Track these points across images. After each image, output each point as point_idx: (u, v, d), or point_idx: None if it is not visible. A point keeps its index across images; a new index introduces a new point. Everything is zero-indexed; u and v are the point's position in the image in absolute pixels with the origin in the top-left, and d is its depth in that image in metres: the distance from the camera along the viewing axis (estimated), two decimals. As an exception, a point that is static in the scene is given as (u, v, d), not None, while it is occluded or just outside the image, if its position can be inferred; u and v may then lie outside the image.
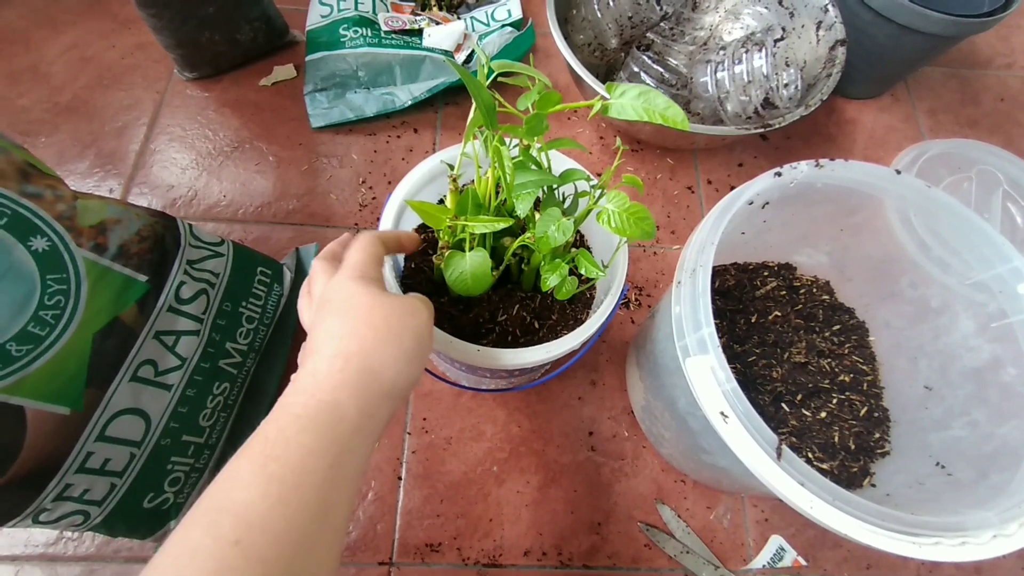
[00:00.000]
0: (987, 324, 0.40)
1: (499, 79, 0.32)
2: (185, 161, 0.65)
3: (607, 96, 0.27)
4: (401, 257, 0.45)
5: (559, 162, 0.41)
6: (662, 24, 0.71)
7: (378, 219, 0.40)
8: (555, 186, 0.35)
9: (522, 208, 0.30)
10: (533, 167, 0.32)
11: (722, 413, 0.31)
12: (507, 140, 0.31)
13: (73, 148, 0.64)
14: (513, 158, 0.31)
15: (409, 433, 0.53)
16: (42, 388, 0.34)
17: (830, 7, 0.63)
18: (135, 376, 0.39)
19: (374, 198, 0.64)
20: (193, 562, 0.17)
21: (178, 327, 0.42)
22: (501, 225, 0.29)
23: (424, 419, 0.53)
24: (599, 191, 0.31)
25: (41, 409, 0.34)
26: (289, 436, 0.21)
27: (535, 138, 0.31)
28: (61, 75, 0.69)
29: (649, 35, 0.71)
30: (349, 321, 0.26)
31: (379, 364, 0.25)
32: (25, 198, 0.33)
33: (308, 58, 0.68)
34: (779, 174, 0.38)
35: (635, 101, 0.25)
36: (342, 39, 0.68)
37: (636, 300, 0.61)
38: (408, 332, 0.26)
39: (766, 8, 0.69)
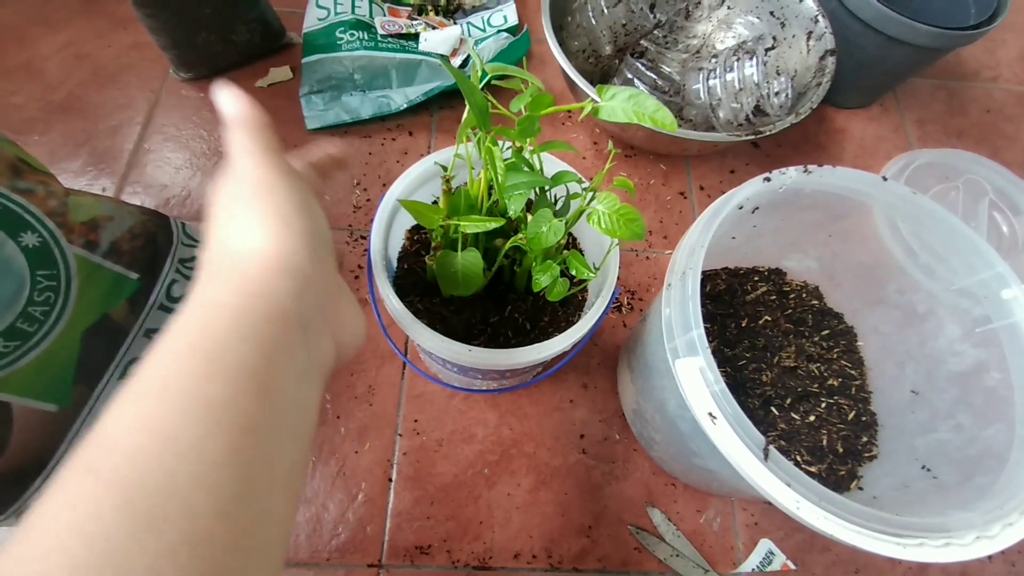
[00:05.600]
0: (972, 329, 0.40)
1: (493, 82, 0.32)
2: (179, 161, 0.65)
3: (598, 99, 0.28)
4: (394, 259, 0.46)
5: (552, 165, 0.42)
6: (655, 32, 0.72)
7: (371, 220, 0.40)
8: (547, 188, 0.35)
9: (514, 208, 0.30)
10: (525, 169, 0.32)
11: (710, 414, 0.31)
12: (500, 142, 0.31)
13: (66, 146, 0.64)
14: (506, 160, 0.31)
15: (400, 435, 0.53)
16: (29, 385, 0.34)
17: (820, 18, 0.64)
18: (125, 374, 0.39)
19: (368, 200, 0.64)
20: (50, 498, 0.15)
21: (169, 325, 0.42)
22: (492, 225, 0.30)
23: (415, 421, 0.53)
24: (590, 193, 0.32)
25: (28, 406, 0.34)
26: (157, 346, 0.18)
27: (527, 140, 0.31)
28: (55, 73, 0.68)
29: (643, 42, 0.72)
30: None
31: (237, 237, 0.21)
32: (16, 193, 0.33)
33: (304, 60, 0.69)
34: (768, 179, 0.39)
35: (625, 103, 0.25)
36: (338, 42, 0.68)
37: (628, 304, 0.61)
38: (259, 189, 0.22)
39: (758, 18, 0.70)
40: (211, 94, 0.25)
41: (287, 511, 0.18)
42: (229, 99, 0.24)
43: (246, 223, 0.21)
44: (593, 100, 0.27)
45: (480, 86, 0.29)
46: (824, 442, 0.45)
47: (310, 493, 0.50)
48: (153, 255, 0.41)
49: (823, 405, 0.47)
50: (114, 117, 0.66)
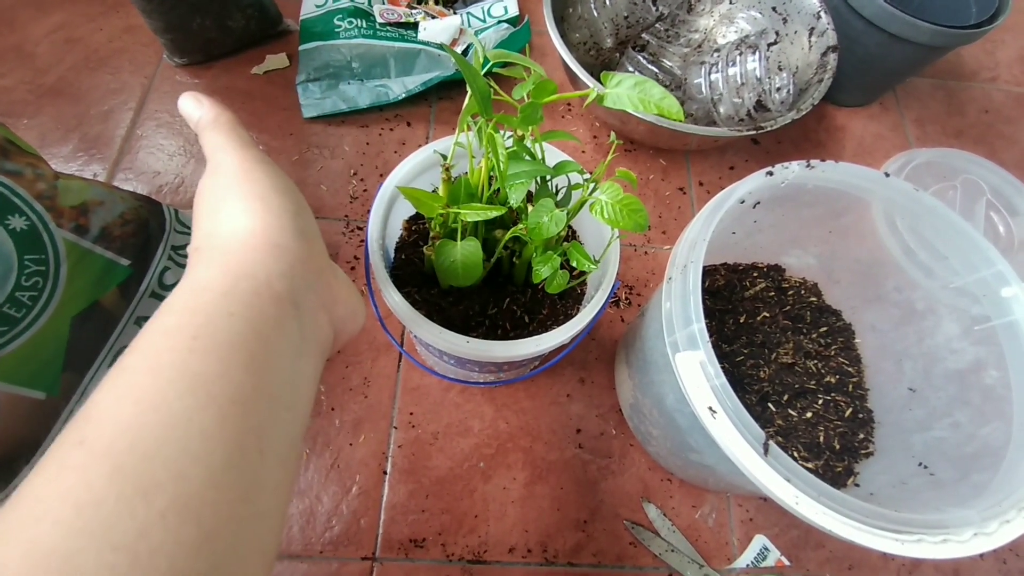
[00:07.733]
0: (970, 327, 0.40)
1: (495, 71, 0.31)
2: (172, 148, 0.63)
3: (602, 88, 0.27)
4: (391, 249, 0.45)
5: (553, 157, 0.41)
6: (657, 25, 0.72)
7: (368, 211, 0.39)
8: (548, 178, 0.34)
9: (515, 197, 0.30)
10: (527, 158, 0.32)
11: (710, 408, 0.31)
12: (501, 130, 0.31)
13: (57, 131, 0.63)
14: (507, 149, 0.31)
15: (395, 427, 0.52)
16: (17, 371, 0.33)
17: (822, 14, 0.64)
18: (115, 362, 0.38)
19: (365, 190, 0.63)
20: (41, 470, 0.15)
21: (160, 314, 0.41)
22: (493, 213, 0.29)
23: (411, 413, 0.53)
24: (592, 183, 0.31)
25: (15, 393, 0.33)
26: (146, 327, 0.19)
27: (529, 128, 0.30)
28: (46, 56, 0.67)
29: (644, 36, 0.71)
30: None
31: (222, 223, 0.22)
32: (3, 175, 0.32)
33: (301, 48, 0.68)
34: (771, 173, 0.38)
35: (631, 91, 0.25)
36: (336, 29, 0.67)
37: (626, 299, 0.61)
38: (239, 177, 0.23)
39: (760, 13, 0.70)
40: (179, 104, 0.26)
41: (282, 481, 0.18)
42: (193, 105, 0.25)
43: (229, 209, 0.22)
44: (597, 90, 0.27)
45: (482, 73, 0.29)
46: (821, 439, 0.45)
47: (304, 485, 0.49)
48: (145, 241, 0.41)
49: (820, 402, 0.47)
50: (106, 102, 0.65)
